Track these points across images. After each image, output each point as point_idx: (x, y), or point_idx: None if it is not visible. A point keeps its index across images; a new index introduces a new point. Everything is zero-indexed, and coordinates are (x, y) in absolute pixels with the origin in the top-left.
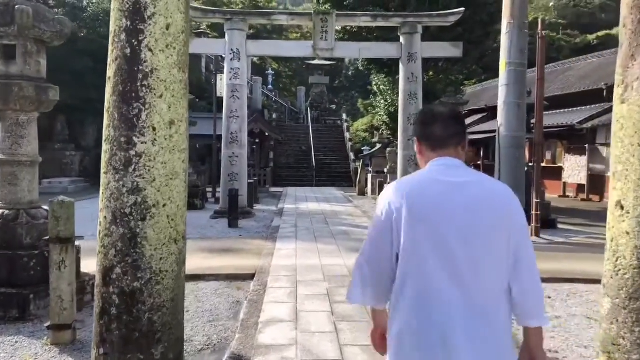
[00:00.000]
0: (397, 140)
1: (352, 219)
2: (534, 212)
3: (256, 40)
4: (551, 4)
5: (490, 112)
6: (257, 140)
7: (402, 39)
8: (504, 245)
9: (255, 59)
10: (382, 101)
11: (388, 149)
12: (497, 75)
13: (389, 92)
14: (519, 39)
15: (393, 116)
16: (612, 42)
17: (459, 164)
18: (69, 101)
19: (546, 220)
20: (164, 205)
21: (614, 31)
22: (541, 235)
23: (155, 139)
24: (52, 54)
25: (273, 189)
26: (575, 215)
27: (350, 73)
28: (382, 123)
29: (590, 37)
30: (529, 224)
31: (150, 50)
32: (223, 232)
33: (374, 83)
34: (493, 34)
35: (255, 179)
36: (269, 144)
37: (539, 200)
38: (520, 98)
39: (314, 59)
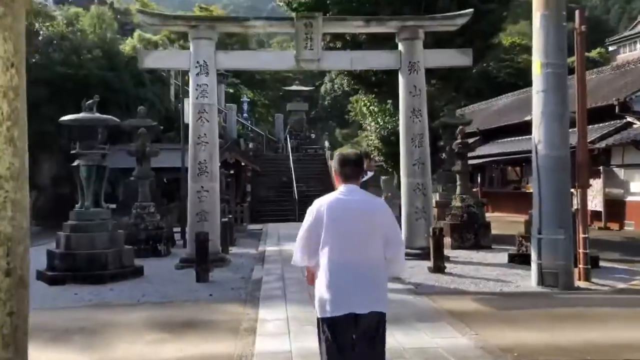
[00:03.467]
0: (391, 167)
1: None
2: (581, 251)
3: (228, 51)
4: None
5: (482, 136)
6: (232, 172)
7: (400, 46)
8: (380, 234)
9: (229, 89)
10: (373, 123)
11: (383, 177)
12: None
13: (381, 114)
14: (556, 34)
15: (386, 139)
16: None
17: (356, 189)
18: None
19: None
20: None
21: (592, 53)
22: (593, 280)
23: None
24: None
25: (251, 227)
26: (606, 248)
27: (326, 103)
28: (372, 148)
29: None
30: (576, 266)
31: None
32: (189, 289)
33: (362, 104)
34: (492, 48)
35: (230, 216)
36: (246, 176)
37: (586, 236)
38: (563, 107)
39: (294, 80)
